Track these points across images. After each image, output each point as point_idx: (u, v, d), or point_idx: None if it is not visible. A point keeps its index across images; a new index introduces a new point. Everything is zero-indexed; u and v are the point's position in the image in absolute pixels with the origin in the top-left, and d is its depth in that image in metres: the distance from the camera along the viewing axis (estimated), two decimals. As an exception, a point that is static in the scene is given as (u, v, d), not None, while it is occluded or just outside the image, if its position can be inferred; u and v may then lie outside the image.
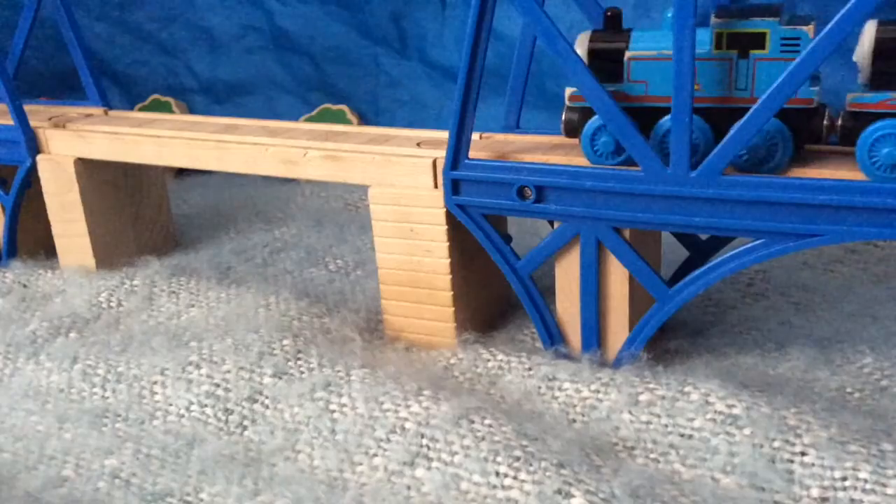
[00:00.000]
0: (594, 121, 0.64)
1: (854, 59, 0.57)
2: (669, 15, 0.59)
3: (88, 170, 0.92)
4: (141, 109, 1.38)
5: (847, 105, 0.58)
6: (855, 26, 0.54)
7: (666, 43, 0.60)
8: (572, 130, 0.66)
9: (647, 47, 0.62)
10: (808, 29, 0.57)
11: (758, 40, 0.59)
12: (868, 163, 0.57)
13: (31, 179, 0.95)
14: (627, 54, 0.62)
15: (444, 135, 0.71)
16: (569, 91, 0.65)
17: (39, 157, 0.93)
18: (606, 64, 0.63)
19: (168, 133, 0.87)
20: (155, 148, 0.87)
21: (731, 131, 0.59)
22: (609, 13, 0.63)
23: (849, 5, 0.54)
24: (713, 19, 0.60)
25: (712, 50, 0.60)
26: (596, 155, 0.65)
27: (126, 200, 0.97)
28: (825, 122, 0.60)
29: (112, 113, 0.99)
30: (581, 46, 0.64)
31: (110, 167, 0.93)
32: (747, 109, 0.58)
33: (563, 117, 0.66)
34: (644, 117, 0.63)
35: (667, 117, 0.61)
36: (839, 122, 0.59)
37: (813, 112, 0.60)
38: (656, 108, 0.62)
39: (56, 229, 0.96)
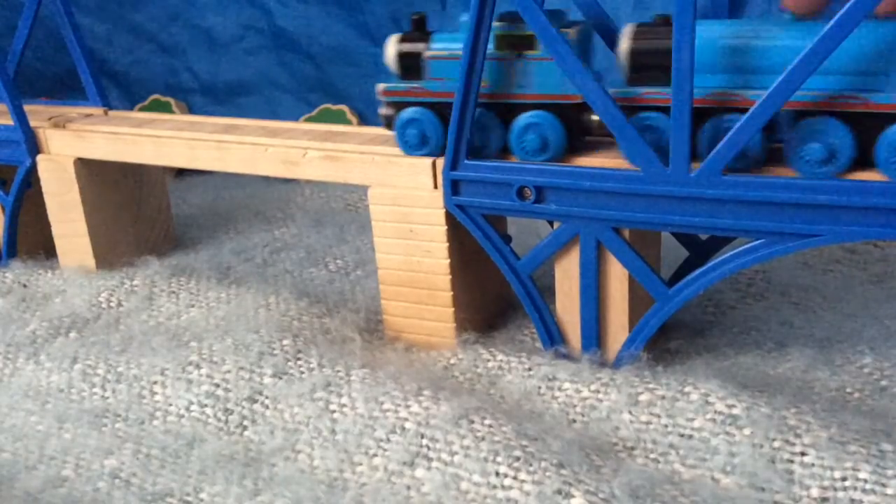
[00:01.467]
0: (404, 114, 0.71)
1: (616, 59, 0.64)
2: (465, 19, 0.65)
3: (88, 170, 0.92)
4: (141, 109, 1.38)
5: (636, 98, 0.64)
6: (855, 26, 0.54)
7: (458, 44, 0.67)
8: (390, 125, 0.72)
9: (443, 48, 0.68)
10: (571, 32, 0.65)
11: (529, 42, 0.65)
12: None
13: (31, 180, 0.95)
14: (426, 54, 0.69)
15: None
16: (381, 87, 0.72)
17: (39, 158, 0.93)
18: (411, 63, 0.70)
19: (168, 133, 0.87)
20: (154, 148, 0.87)
21: (730, 132, 0.59)
22: (415, 17, 0.71)
23: (847, 7, 0.54)
24: (495, 23, 0.66)
25: (495, 50, 0.66)
26: (406, 145, 0.72)
27: (126, 200, 0.98)
28: (593, 116, 0.65)
29: (112, 113, 0.99)
30: (390, 48, 0.71)
31: (110, 167, 0.93)
32: (529, 105, 0.66)
33: (381, 112, 0.73)
34: (445, 111, 0.69)
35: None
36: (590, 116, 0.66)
37: (581, 106, 0.65)
38: (447, 103, 0.68)
39: (56, 229, 0.96)
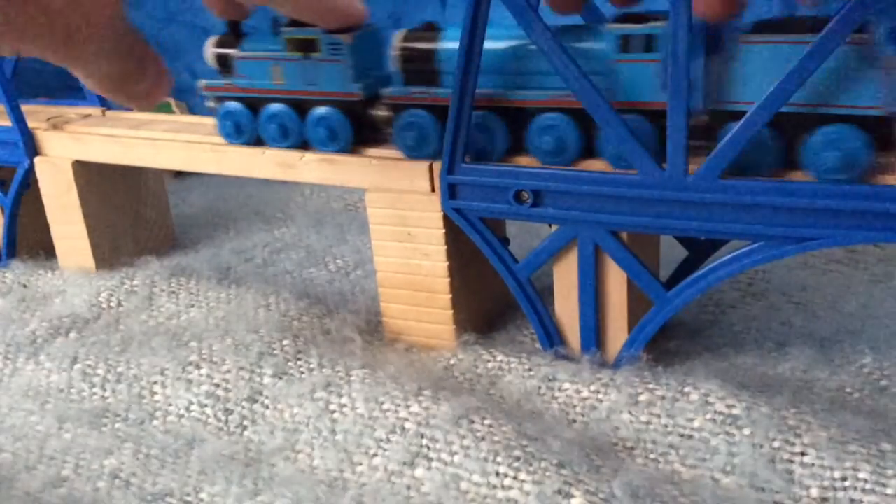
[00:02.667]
0: (222, 107, 0.80)
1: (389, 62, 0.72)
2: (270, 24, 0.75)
3: (86, 171, 0.92)
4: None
5: (384, 98, 0.72)
6: (854, 27, 0.54)
7: (261, 46, 0.77)
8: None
9: (249, 49, 0.77)
10: (345, 37, 0.73)
11: (312, 45, 0.73)
12: (401, 143, 0.72)
13: (30, 180, 0.95)
14: (234, 54, 0.78)
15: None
16: (202, 83, 0.80)
17: (37, 160, 0.93)
18: (225, 62, 0.79)
19: (165, 136, 0.87)
20: (152, 151, 0.87)
21: (728, 135, 0.59)
22: (230, 21, 0.78)
23: (845, 8, 0.54)
24: (285, 27, 0.75)
25: (285, 52, 0.75)
26: (225, 135, 0.81)
27: (125, 201, 0.97)
28: (382, 112, 0.73)
29: (110, 113, 0.99)
30: (208, 49, 0.79)
31: (108, 168, 0.93)
32: (321, 101, 0.75)
33: (207, 105, 0.81)
34: (251, 105, 0.79)
35: (276, 105, 0.77)
36: (381, 112, 0.73)
37: (365, 103, 0.74)
38: (258, 98, 0.78)
39: (55, 232, 0.95)
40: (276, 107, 0.77)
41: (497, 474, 0.57)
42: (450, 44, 0.68)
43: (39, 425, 0.71)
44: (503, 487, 0.56)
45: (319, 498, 0.59)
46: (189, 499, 0.61)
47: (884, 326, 0.74)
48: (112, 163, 0.91)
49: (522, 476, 0.56)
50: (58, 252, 0.97)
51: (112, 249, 0.96)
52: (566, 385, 0.66)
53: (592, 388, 0.65)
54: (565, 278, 0.70)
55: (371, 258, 0.77)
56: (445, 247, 0.72)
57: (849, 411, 0.61)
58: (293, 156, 0.79)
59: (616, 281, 0.68)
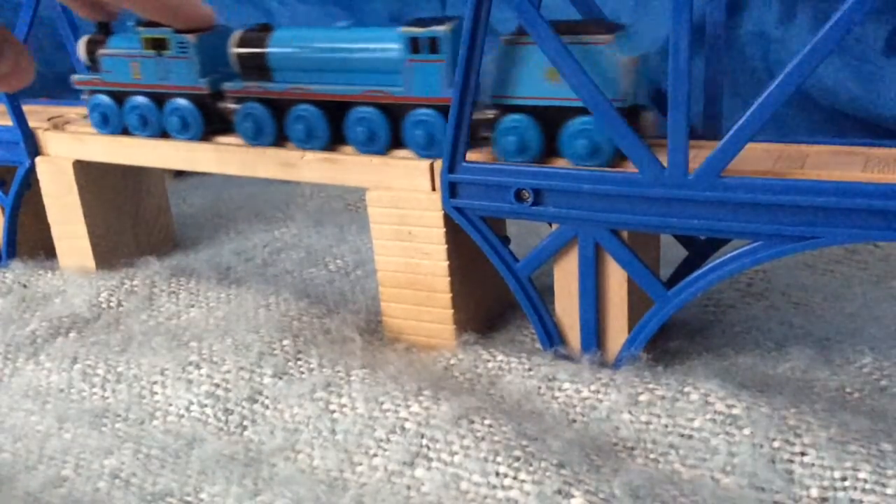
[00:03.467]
0: (92, 100, 0.87)
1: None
2: (130, 24, 0.83)
3: (87, 171, 0.92)
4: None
5: (227, 92, 0.80)
6: (853, 27, 0.54)
7: (123, 45, 0.85)
8: None
9: (112, 46, 0.86)
10: (191, 37, 0.80)
11: (163, 43, 0.82)
12: (242, 133, 0.80)
13: (31, 180, 0.95)
14: (99, 52, 0.86)
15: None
16: (74, 77, 0.88)
17: (38, 160, 0.93)
18: (92, 58, 0.87)
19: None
20: (152, 150, 0.87)
21: (728, 134, 0.59)
22: (99, 21, 0.85)
23: (845, 7, 0.54)
24: (140, 27, 0.83)
25: (142, 49, 0.83)
26: (95, 125, 0.89)
27: (126, 201, 0.97)
28: (229, 104, 0.80)
29: None
30: (80, 46, 0.88)
31: (109, 168, 0.93)
32: (175, 94, 0.83)
33: (83, 97, 0.88)
34: (116, 98, 0.86)
35: (138, 97, 0.85)
36: (228, 104, 0.80)
37: (214, 96, 0.81)
38: (121, 91, 0.86)
39: (55, 231, 0.96)
40: (137, 99, 0.85)
41: (497, 474, 0.57)
42: (279, 43, 0.77)
43: (39, 425, 0.71)
44: (503, 487, 0.56)
45: (319, 498, 0.59)
46: (189, 499, 0.61)
47: (884, 326, 0.74)
48: (113, 163, 0.91)
49: (522, 476, 0.56)
50: (58, 252, 0.97)
51: (112, 249, 0.96)
52: (566, 385, 0.66)
53: (592, 388, 0.65)
54: (566, 278, 0.70)
55: (371, 258, 0.77)
56: (446, 246, 0.72)
57: (849, 411, 0.61)
58: (294, 155, 0.79)
59: (616, 280, 0.68)
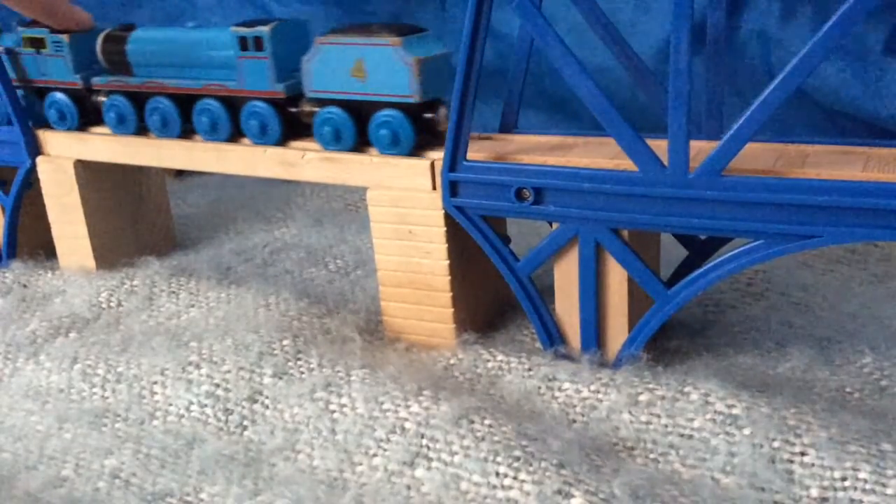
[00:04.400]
0: None
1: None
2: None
3: (88, 171, 0.92)
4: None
5: (95, 86, 0.88)
6: (853, 26, 0.54)
7: (6, 42, 0.92)
8: None
9: (2, 43, 0.92)
10: (65, 37, 0.89)
11: (41, 42, 0.90)
12: (108, 123, 0.89)
13: (32, 180, 0.95)
14: None
15: (443, 135, 0.71)
16: None
17: (39, 159, 0.93)
18: None
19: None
20: (153, 150, 0.87)
21: (729, 134, 0.59)
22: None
23: (845, 7, 0.54)
24: (18, 28, 0.91)
25: (22, 47, 0.91)
26: None
27: (126, 201, 0.98)
28: (102, 97, 0.88)
29: None
30: None
31: (110, 168, 0.93)
32: (50, 88, 0.91)
33: None
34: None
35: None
36: (100, 97, 0.88)
37: (89, 91, 0.89)
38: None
39: (56, 231, 0.96)
40: (21, 92, 0.93)
41: (497, 474, 0.56)
42: (136, 41, 0.86)
43: (39, 425, 0.71)
44: (503, 487, 0.56)
45: (319, 498, 0.59)
46: (189, 499, 0.61)
47: (884, 326, 0.74)
48: (114, 162, 0.91)
49: (522, 476, 0.56)
50: (58, 251, 0.97)
51: (113, 249, 0.96)
52: (566, 385, 0.66)
53: (592, 387, 0.65)
54: (566, 277, 0.70)
55: (371, 258, 0.77)
56: (446, 245, 0.72)
57: (849, 411, 0.61)
58: (294, 154, 0.79)
59: (616, 280, 0.68)
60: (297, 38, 0.78)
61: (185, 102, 0.84)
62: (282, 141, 0.79)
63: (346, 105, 0.74)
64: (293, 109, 0.78)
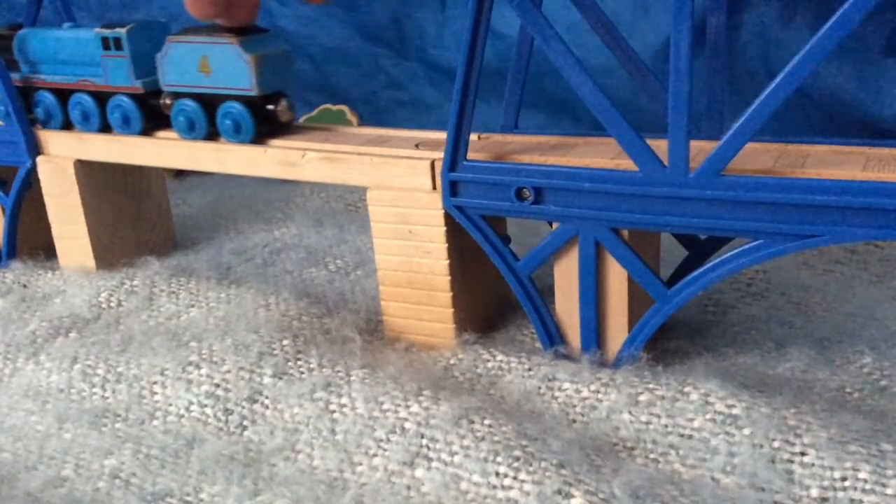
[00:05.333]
0: None
1: None
2: None
3: (88, 171, 0.92)
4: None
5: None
6: (853, 26, 0.54)
7: None
8: None
9: None
10: None
11: None
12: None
13: (32, 180, 0.95)
14: None
15: (442, 135, 0.71)
16: None
17: (39, 159, 0.93)
18: None
19: (166, 135, 0.87)
20: (154, 150, 0.87)
21: (729, 133, 0.59)
22: None
23: (845, 7, 0.54)
24: None
25: None
26: None
27: (126, 201, 0.98)
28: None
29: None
30: None
31: (110, 168, 0.93)
32: None
33: None
34: None
35: None
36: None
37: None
38: None
39: (56, 231, 0.96)
40: None
41: (497, 474, 0.56)
42: (19, 41, 0.92)
43: (39, 425, 0.71)
44: (503, 487, 0.56)
45: (319, 498, 0.59)
46: (189, 499, 0.61)
47: (884, 326, 0.74)
48: (114, 162, 0.91)
49: (522, 476, 0.56)
50: (58, 251, 0.97)
51: (113, 249, 0.96)
52: (566, 385, 0.66)
53: (592, 387, 0.65)
54: (566, 277, 0.70)
55: (371, 258, 0.77)
56: (446, 245, 0.72)
57: (849, 411, 0.61)
58: (295, 154, 0.79)
59: (617, 280, 0.68)
60: (157, 37, 0.84)
61: (65, 96, 0.92)
62: (144, 131, 0.88)
63: (199, 98, 0.82)
64: (154, 102, 0.86)
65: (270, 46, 0.80)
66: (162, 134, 0.87)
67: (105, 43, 0.86)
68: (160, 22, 0.89)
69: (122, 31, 0.85)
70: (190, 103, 0.83)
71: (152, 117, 0.87)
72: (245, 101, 0.80)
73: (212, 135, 0.83)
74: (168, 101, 0.84)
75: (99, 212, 0.94)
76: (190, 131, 0.84)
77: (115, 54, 0.86)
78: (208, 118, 0.83)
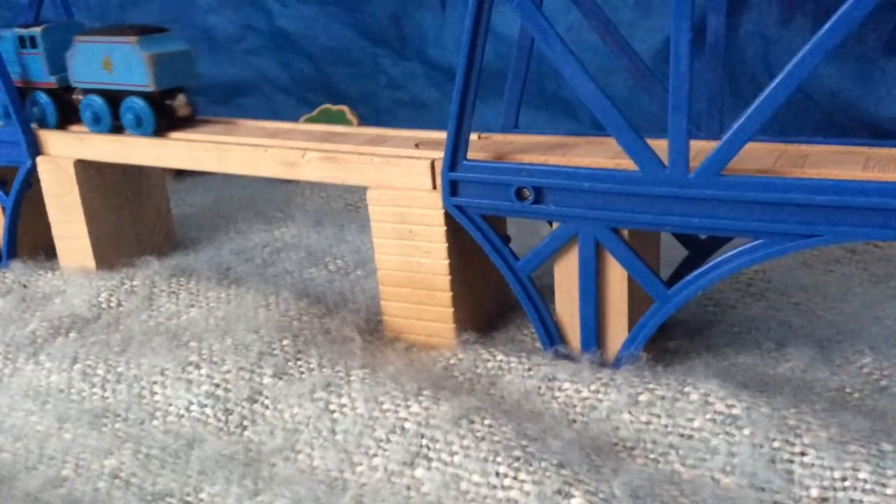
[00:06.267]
0: None
1: None
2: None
3: (88, 171, 0.92)
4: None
5: None
6: (853, 26, 0.54)
7: None
8: None
9: None
10: None
11: None
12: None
13: (32, 180, 0.95)
14: None
15: (442, 135, 0.71)
16: None
17: (39, 159, 0.93)
18: None
19: (167, 135, 0.87)
20: (154, 150, 0.87)
21: (729, 133, 0.59)
22: None
23: (845, 7, 0.54)
24: None
25: None
26: None
27: (126, 201, 0.98)
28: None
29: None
30: None
31: (110, 168, 0.93)
32: None
33: None
34: None
35: None
36: None
37: None
38: None
39: (56, 231, 0.96)
40: None
41: (497, 474, 0.56)
42: None
43: (39, 425, 0.71)
44: (503, 487, 0.56)
45: (319, 498, 0.59)
46: (189, 499, 0.61)
47: (884, 326, 0.74)
48: (114, 162, 0.91)
49: (522, 476, 0.56)
50: (59, 251, 0.97)
51: (113, 249, 0.96)
52: (566, 385, 0.66)
53: (592, 387, 0.65)
54: (566, 277, 0.70)
55: (371, 258, 0.77)
56: (446, 245, 0.72)
57: (849, 411, 0.61)
58: (295, 154, 0.79)
59: (617, 279, 0.68)
60: (73, 37, 0.90)
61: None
62: (59, 125, 0.93)
63: (104, 93, 0.88)
64: (68, 97, 0.92)
65: (168, 45, 0.87)
66: (162, 134, 0.87)
67: (22, 41, 0.93)
68: (78, 23, 0.96)
69: (37, 31, 0.92)
70: (96, 98, 0.89)
71: (67, 112, 0.93)
72: (144, 96, 0.86)
73: (117, 128, 0.90)
74: (79, 97, 0.91)
75: (99, 212, 0.95)
76: (96, 124, 0.90)
77: (32, 52, 0.93)
78: (112, 113, 0.89)
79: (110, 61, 0.86)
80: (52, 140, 0.93)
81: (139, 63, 0.85)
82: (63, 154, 0.93)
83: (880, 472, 0.53)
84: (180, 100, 0.87)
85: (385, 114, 1.32)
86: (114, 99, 0.88)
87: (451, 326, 0.75)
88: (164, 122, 0.88)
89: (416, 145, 0.76)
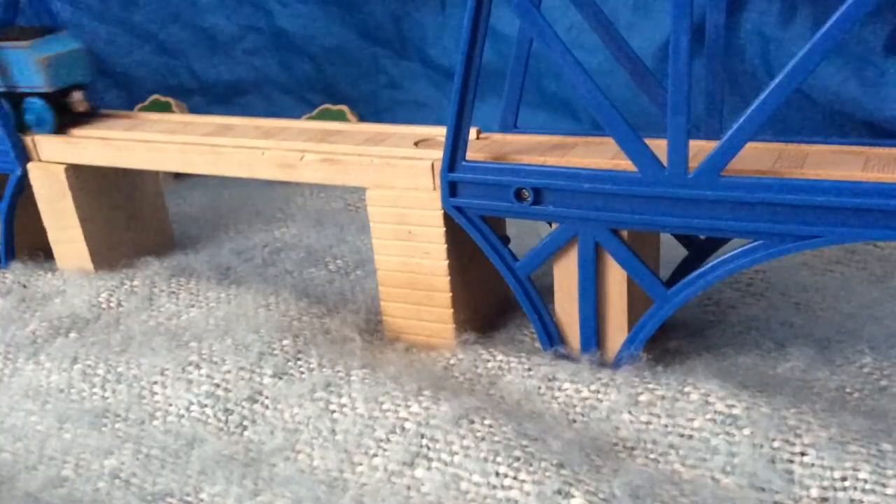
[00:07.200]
0: None
1: None
2: None
3: (81, 176, 0.91)
4: (141, 110, 1.38)
5: None
6: (854, 25, 0.54)
7: None
8: None
9: None
10: None
11: None
12: None
13: (25, 186, 0.94)
14: None
15: (441, 131, 0.71)
16: None
17: (30, 166, 0.92)
18: None
19: (160, 138, 0.86)
20: (147, 153, 0.86)
21: (728, 134, 0.59)
22: None
23: (845, 7, 0.54)
24: None
25: None
26: None
27: (121, 204, 0.97)
28: None
29: (103, 113, 0.98)
30: None
31: (103, 172, 0.92)
32: None
33: None
34: None
35: None
36: None
37: None
38: None
39: (52, 236, 0.95)
40: None
41: (497, 474, 0.57)
42: None
43: (39, 425, 0.71)
44: (503, 487, 0.56)
45: (319, 498, 0.59)
46: (189, 499, 0.61)
47: (884, 326, 0.74)
48: (106, 166, 0.90)
49: (522, 476, 0.56)
50: (56, 256, 0.96)
51: (109, 252, 0.95)
52: (566, 385, 0.66)
53: (592, 387, 0.65)
54: (565, 277, 0.70)
55: (371, 258, 0.77)
56: (446, 245, 0.72)
57: (849, 411, 0.61)
58: (293, 156, 0.79)
59: (616, 280, 0.68)
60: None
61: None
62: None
63: (6, 95, 0.92)
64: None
65: (61, 46, 0.90)
66: (156, 137, 0.87)
67: None
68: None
69: None
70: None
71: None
72: (42, 96, 0.90)
73: (21, 127, 0.93)
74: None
75: (94, 215, 0.94)
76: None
77: None
78: (17, 113, 0.92)
79: (6, 65, 0.90)
80: (43, 146, 0.92)
81: (32, 65, 0.89)
82: (54, 159, 0.92)
83: (880, 472, 0.53)
84: (76, 97, 0.91)
85: (385, 113, 1.32)
86: (15, 101, 0.92)
87: (450, 327, 0.75)
88: (64, 118, 0.91)
89: (416, 143, 0.76)
